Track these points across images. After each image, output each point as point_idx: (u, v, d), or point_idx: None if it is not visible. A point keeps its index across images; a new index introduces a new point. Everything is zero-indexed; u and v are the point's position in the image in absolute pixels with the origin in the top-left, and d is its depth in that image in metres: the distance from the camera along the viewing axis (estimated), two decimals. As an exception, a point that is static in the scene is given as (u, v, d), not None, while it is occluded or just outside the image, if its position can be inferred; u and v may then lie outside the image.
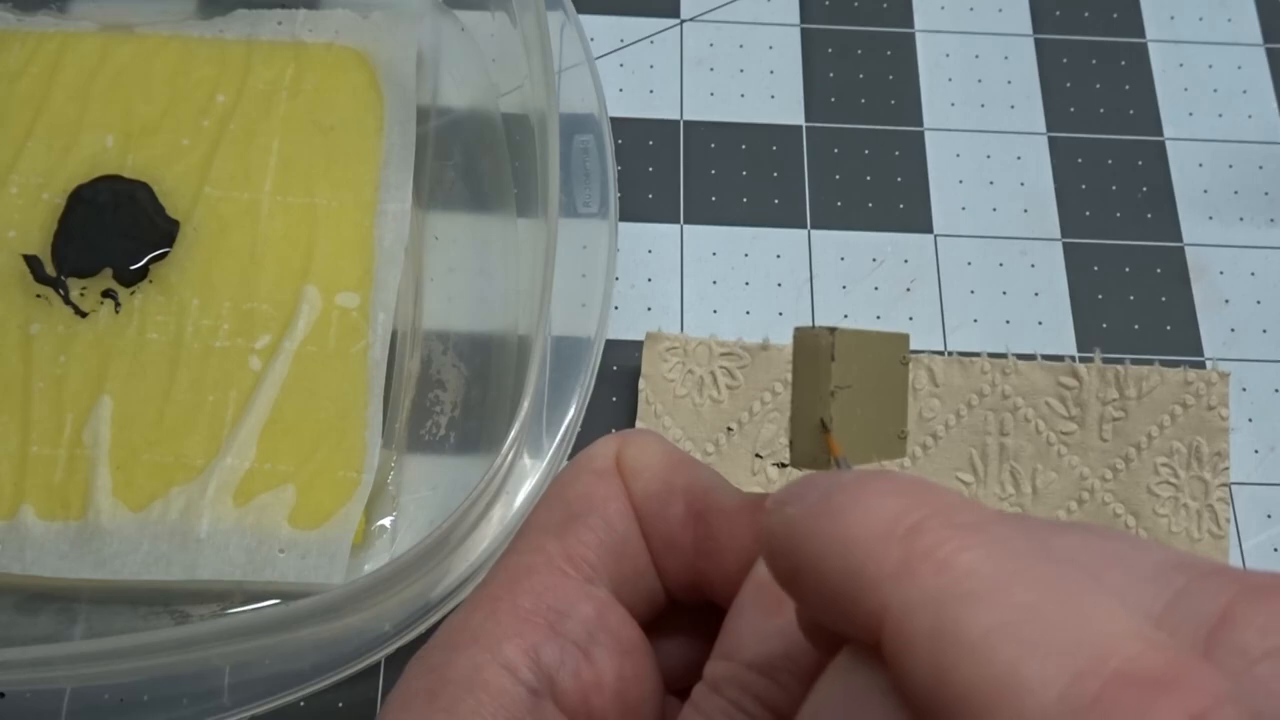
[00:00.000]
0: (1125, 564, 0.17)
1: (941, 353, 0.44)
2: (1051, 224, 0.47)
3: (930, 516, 0.17)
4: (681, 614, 0.25)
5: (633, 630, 0.24)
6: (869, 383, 0.23)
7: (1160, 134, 0.49)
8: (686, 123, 0.48)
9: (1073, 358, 0.44)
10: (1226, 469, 0.41)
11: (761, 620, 0.22)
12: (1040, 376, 0.42)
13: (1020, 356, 0.43)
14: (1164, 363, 0.43)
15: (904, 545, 0.17)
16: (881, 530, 0.17)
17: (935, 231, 0.47)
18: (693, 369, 0.42)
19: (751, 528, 0.23)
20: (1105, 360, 0.43)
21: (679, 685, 0.25)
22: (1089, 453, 0.41)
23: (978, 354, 0.43)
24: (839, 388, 0.23)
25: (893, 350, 0.24)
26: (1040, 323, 0.45)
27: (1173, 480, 0.41)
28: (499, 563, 0.24)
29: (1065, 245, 0.46)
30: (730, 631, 0.22)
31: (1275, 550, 0.42)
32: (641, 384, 0.42)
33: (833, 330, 0.23)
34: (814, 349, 0.23)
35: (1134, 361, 0.43)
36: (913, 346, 0.43)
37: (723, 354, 0.42)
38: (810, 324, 0.45)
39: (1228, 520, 0.41)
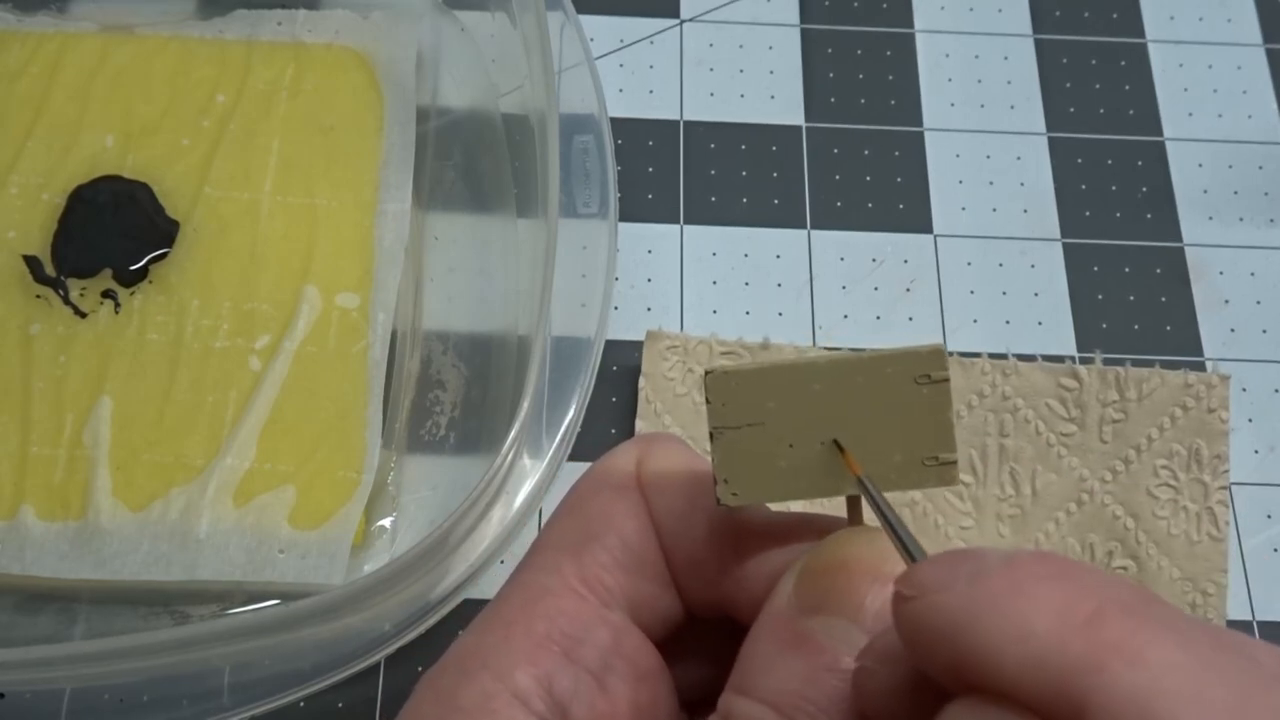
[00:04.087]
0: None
1: (941, 353, 0.44)
2: (1051, 224, 0.47)
3: (1105, 603, 0.17)
4: (701, 629, 0.24)
5: (649, 655, 0.23)
6: (810, 414, 0.22)
7: (1160, 134, 0.49)
8: (686, 123, 0.48)
9: (1073, 359, 0.44)
10: (1226, 472, 0.41)
11: (777, 655, 0.21)
12: (1040, 378, 0.42)
13: (1020, 357, 0.43)
14: (1164, 363, 0.43)
15: (1087, 636, 0.17)
16: (1056, 620, 0.17)
17: (935, 232, 0.47)
18: (693, 368, 0.42)
19: (782, 552, 0.23)
20: (1106, 362, 0.43)
21: (696, 699, 0.25)
22: (1089, 454, 0.41)
23: (978, 355, 0.43)
24: (721, 428, 0.22)
25: (896, 371, 0.22)
26: (1040, 323, 0.45)
27: (1172, 483, 0.41)
28: (513, 579, 0.24)
29: (1065, 245, 0.46)
30: (746, 664, 0.22)
31: (1275, 550, 0.42)
32: (641, 382, 0.42)
33: (708, 371, 0.22)
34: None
35: (1134, 362, 0.43)
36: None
37: (723, 353, 0.42)
38: (811, 325, 0.45)
39: (1227, 523, 0.41)
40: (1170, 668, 0.16)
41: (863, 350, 0.23)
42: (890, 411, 0.22)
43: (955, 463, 0.22)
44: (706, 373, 0.22)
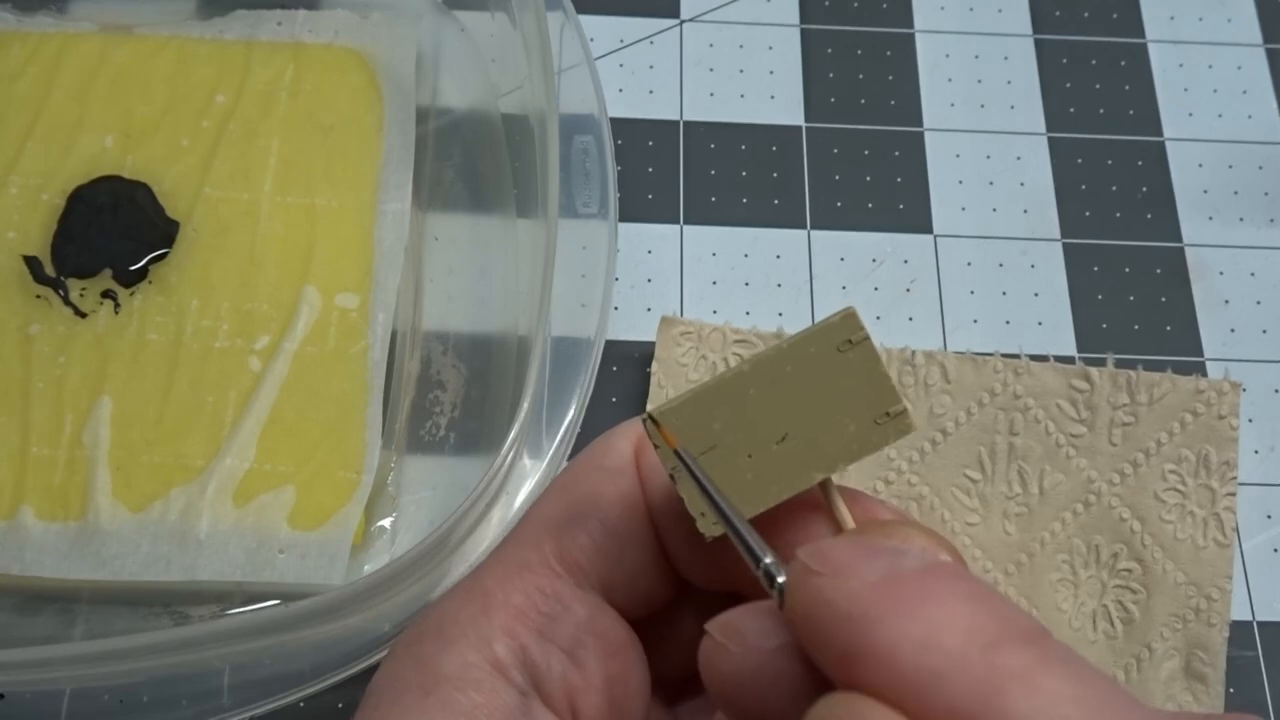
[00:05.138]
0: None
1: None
2: (1051, 224, 0.47)
3: (1010, 630, 0.17)
4: (688, 605, 0.25)
5: (621, 631, 0.24)
6: (755, 420, 0.22)
7: (1160, 134, 0.49)
8: (686, 123, 0.48)
9: (1074, 359, 0.44)
10: (1234, 478, 0.41)
11: None
12: (1052, 378, 0.42)
13: (1033, 357, 0.43)
14: (1163, 363, 0.43)
15: (987, 659, 0.17)
16: (963, 638, 0.17)
17: (935, 232, 0.47)
18: (706, 354, 0.42)
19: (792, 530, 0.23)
20: (1117, 365, 0.43)
21: (680, 677, 0.25)
22: (1097, 456, 0.41)
23: (991, 354, 0.43)
24: (678, 466, 0.22)
25: (819, 348, 0.22)
26: (1040, 323, 0.45)
27: (1180, 487, 0.41)
28: (499, 550, 0.24)
29: (1065, 245, 0.46)
30: None
31: (1275, 551, 0.42)
32: (654, 367, 0.42)
33: (645, 418, 0.22)
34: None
35: (1135, 363, 0.43)
36: (913, 347, 0.43)
37: (736, 340, 0.42)
38: (811, 321, 0.44)
39: (1234, 529, 0.41)
40: (1068, 700, 0.16)
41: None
42: (828, 387, 0.22)
43: (905, 410, 0.22)
44: (643, 421, 0.22)
